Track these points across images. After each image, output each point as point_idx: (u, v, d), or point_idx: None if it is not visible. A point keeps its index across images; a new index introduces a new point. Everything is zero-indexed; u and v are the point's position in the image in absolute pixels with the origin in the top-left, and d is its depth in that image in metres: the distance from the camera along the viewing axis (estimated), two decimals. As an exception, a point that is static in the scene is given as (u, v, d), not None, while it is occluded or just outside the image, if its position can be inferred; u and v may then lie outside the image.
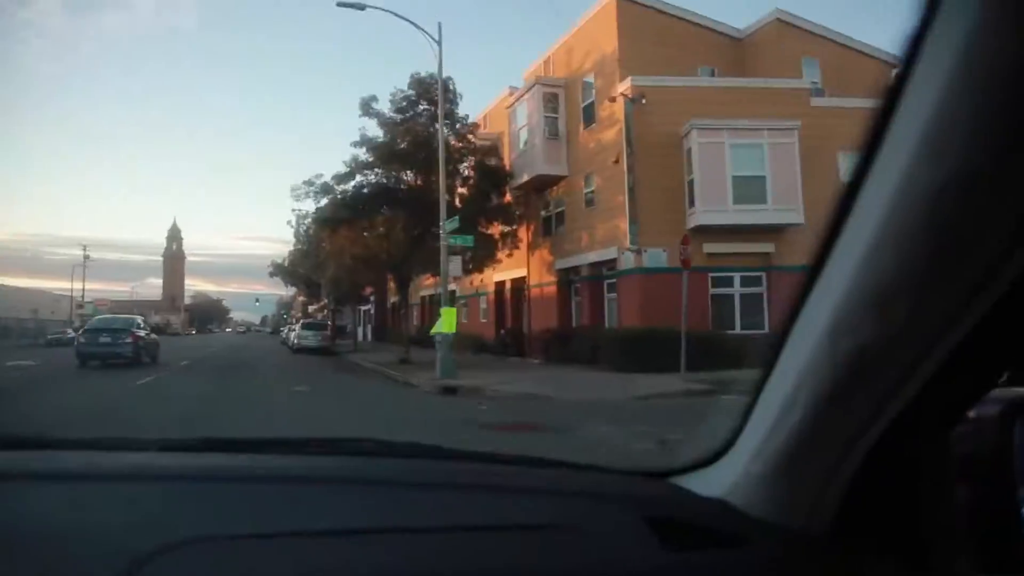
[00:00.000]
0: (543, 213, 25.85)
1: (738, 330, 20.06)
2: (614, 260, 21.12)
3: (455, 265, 18.59)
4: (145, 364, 21.67)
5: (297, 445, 1.28)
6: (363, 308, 50.84)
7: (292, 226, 41.95)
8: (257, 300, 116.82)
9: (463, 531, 0.92)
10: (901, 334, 0.70)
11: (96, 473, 1.03)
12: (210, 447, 1.20)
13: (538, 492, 1.04)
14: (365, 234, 24.32)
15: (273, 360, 28.59)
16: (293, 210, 35.50)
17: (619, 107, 20.54)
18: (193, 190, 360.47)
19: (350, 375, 21.10)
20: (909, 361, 0.73)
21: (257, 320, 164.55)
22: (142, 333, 22.74)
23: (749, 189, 19.32)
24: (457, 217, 18.55)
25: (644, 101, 20.09)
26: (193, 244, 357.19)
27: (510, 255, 25.03)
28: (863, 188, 0.69)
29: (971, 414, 0.89)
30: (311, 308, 63.70)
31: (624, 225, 20.30)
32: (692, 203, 19.63)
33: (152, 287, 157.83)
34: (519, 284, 28.08)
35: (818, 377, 0.79)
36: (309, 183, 23.77)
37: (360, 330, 53.39)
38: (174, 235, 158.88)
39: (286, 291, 79.23)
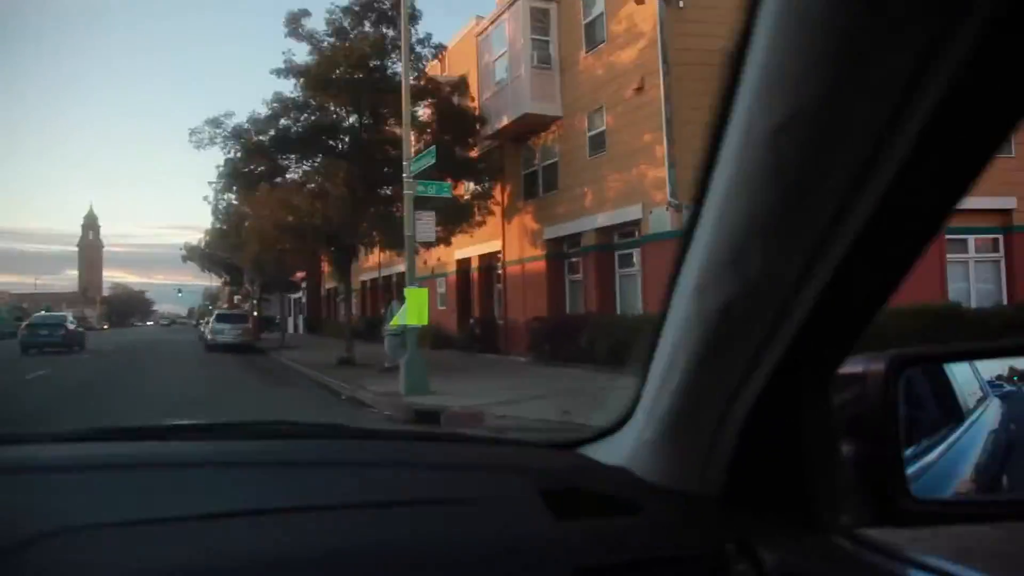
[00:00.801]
0: (524, 170, 19.71)
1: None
2: (634, 223, 15.20)
3: (426, 224, 12.29)
4: (75, 351, 26.20)
5: (202, 431, 1.18)
6: (293, 296, 43.75)
7: (210, 202, 34.87)
8: (179, 291, 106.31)
9: (363, 508, 0.89)
10: (759, 287, 0.68)
11: None
12: (110, 436, 1.11)
13: (444, 467, 1.02)
14: (294, 200, 17.85)
15: (175, 363, 21.68)
16: (210, 183, 28.49)
17: (646, 13, 14.60)
18: (113, 175, 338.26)
19: (271, 387, 14.59)
20: (772, 315, 0.70)
21: (184, 312, 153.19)
22: (72, 327, 28.31)
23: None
24: (433, 149, 12.26)
25: (682, 4, 14.19)
26: (114, 233, 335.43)
27: (483, 222, 18.86)
28: (722, 141, 0.65)
29: (858, 370, 0.83)
30: (236, 298, 56.07)
31: (653, 173, 14.40)
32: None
33: (71, 279, 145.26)
34: (490, 261, 21.94)
35: (690, 338, 0.76)
36: (215, 123, 16.97)
37: (290, 321, 46.40)
38: (91, 223, 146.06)
39: (210, 280, 70.54)
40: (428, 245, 15.35)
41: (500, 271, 21.21)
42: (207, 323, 31.47)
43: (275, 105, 17.22)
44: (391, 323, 12.00)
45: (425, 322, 11.88)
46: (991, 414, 0.93)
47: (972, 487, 0.91)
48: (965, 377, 0.95)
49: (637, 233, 15.32)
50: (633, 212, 14.99)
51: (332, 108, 17.45)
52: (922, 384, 0.93)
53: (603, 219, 16.02)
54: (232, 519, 0.82)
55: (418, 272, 27.12)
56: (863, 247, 0.62)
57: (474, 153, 19.32)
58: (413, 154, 14.39)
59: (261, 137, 16.91)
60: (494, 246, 21.09)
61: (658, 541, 0.86)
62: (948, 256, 15.06)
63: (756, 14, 0.56)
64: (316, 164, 16.86)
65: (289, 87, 17.79)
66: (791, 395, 0.78)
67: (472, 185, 19.11)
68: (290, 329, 45.07)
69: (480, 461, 1.04)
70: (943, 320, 13.80)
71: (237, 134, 17.14)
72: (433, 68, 19.55)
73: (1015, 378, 0.93)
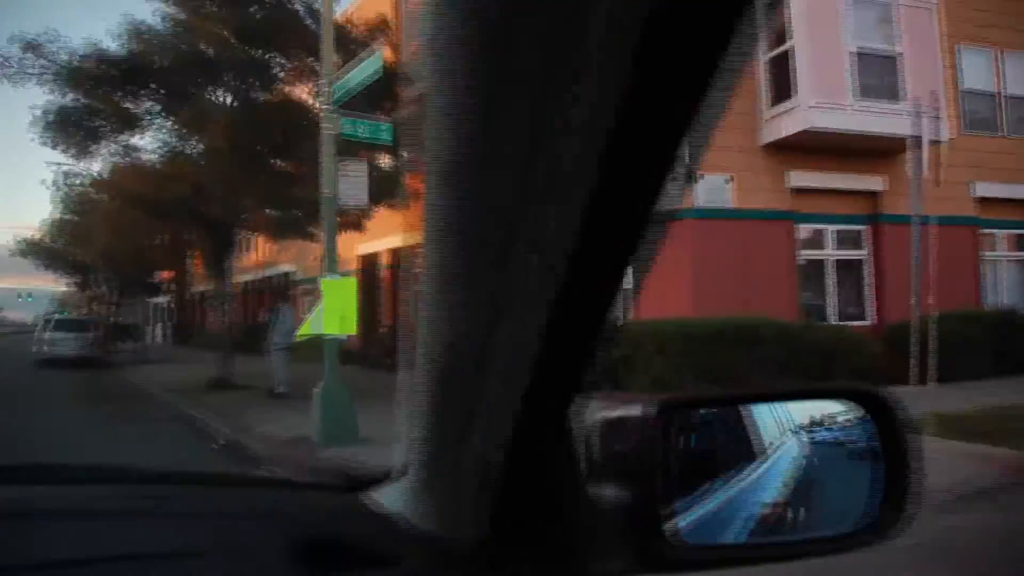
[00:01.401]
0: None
1: (833, 318, 11.16)
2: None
3: (355, 180, 7.87)
4: None
5: None
6: (157, 301, 37.20)
7: (49, 187, 28.46)
8: (30, 295, 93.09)
9: (85, 564, 0.76)
10: (470, 329, 0.63)
11: None
12: None
13: (195, 516, 0.88)
14: (155, 164, 12.88)
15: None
16: (51, 164, 22.39)
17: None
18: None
19: (107, 426, 9.49)
20: (491, 358, 0.63)
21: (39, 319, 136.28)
22: None
23: (878, 73, 10.39)
24: (378, 57, 7.87)
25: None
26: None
27: (412, 199, 14.46)
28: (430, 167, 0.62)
29: (631, 414, 0.79)
30: (94, 305, 48.01)
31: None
32: (780, 94, 10.37)
33: None
34: (406, 257, 17.48)
35: (426, 378, 0.70)
36: (29, 45, 11.62)
37: (158, 329, 39.70)
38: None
39: (63, 284, 60.70)
40: (367, 207, 10.49)
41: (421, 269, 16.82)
42: (42, 330, 24.57)
43: (129, 34, 12.13)
44: (301, 331, 7.56)
45: (353, 330, 7.48)
46: (786, 457, 0.87)
47: (758, 530, 0.85)
48: (768, 419, 0.88)
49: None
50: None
51: (209, 50, 12.61)
52: (720, 426, 0.89)
53: (573, 198, 12.09)
54: None
55: (306, 272, 22.45)
56: (558, 289, 0.55)
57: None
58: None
59: (112, 71, 11.73)
60: (412, 238, 16.69)
61: None
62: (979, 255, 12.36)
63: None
64: (185, 111, 11.82)
65: (147, 12, 12.77)
66: (542, 438, 0.71)
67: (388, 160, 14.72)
68: (155, 338, 38.49)
69: (233, 507, 0.91)
70: (1001, 325, 10.97)
71: (73, 75, 11.86)
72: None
73: (814, 423, 0.89)
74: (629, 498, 0.75)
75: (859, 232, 11.51)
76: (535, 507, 0.75)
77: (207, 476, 1.13)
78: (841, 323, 10.97)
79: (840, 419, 0.87)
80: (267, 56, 12.71)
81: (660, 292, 10.43)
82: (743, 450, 0.87)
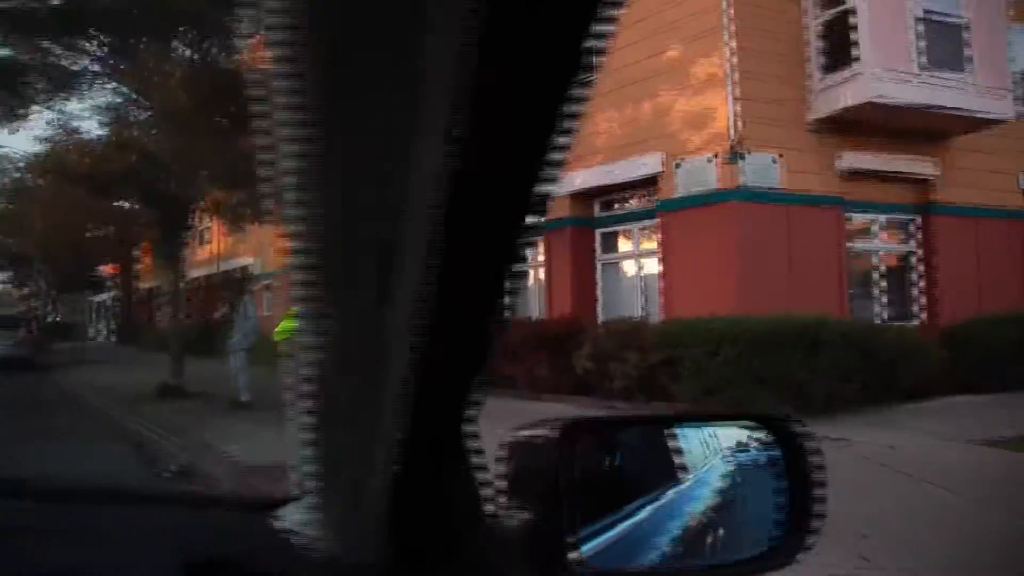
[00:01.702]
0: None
1: (879, 318, 9.87)
2: (642, 183, 9.88)
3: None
4: None
5: None
6: (100, 298, 34.51)
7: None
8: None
9: None
10: (343, 350, 0.59)
11: None
12: None
13: (84, 534, 0.82)
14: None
15: None
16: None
17: None
18: None
19: (22, 451, 7.56)
20: (369, 380, 0.60)
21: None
22: None
23: (942, 42, 9.11)
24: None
25: None
26: None
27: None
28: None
29: (535, 436, 0.77)
30: (31, 302, 44.71)
31: (690, 104, 9.22)
32: (834, 62, 9.01)
33: None
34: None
35: (306, 394, 0.66)
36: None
37: (101, 328, 36.98)
38: None
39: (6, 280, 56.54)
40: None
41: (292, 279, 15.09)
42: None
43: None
44: (280, 327, 5.84)
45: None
46: (707, 479, 0.86)
47: (673, 553, 0.84)
48: (690, 441, 0.87)
49: (634, 199, 10.04)
50: (643, 165, 9.64)
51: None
52: (638, 448, 0.88)
53: (586, 178, 10.53)
54: None
55: (266, 266, 20.49)
56: (434, 295, 0.52)
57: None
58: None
59: (44, 16, 9.77)
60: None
61: None
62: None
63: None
64: (135, 67, 9.89)
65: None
66: (432, 456, 0.67)
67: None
68: (99, 336, 35.78)
69: (128, 525, 0.85)
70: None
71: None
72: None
73: (739, 445, 0.87)
74: (534, 521, 0.73)
75: (908, 223, 10.26)
76: (435, 532, 0.71)
77: (105, 492, 1.02)
78: (887, 324, 9.69)
79: (764, 442, 0.85)
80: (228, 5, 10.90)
81: (698, 284, 8.98)
82: (662, 472, 0.85)
